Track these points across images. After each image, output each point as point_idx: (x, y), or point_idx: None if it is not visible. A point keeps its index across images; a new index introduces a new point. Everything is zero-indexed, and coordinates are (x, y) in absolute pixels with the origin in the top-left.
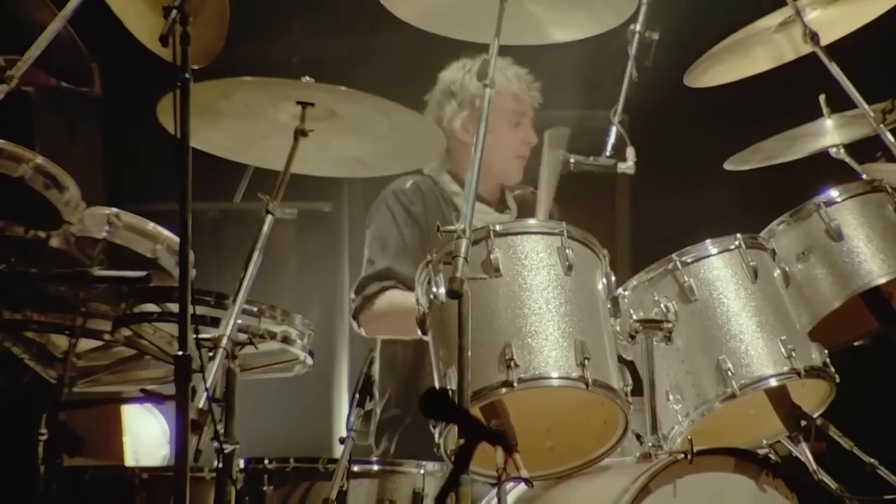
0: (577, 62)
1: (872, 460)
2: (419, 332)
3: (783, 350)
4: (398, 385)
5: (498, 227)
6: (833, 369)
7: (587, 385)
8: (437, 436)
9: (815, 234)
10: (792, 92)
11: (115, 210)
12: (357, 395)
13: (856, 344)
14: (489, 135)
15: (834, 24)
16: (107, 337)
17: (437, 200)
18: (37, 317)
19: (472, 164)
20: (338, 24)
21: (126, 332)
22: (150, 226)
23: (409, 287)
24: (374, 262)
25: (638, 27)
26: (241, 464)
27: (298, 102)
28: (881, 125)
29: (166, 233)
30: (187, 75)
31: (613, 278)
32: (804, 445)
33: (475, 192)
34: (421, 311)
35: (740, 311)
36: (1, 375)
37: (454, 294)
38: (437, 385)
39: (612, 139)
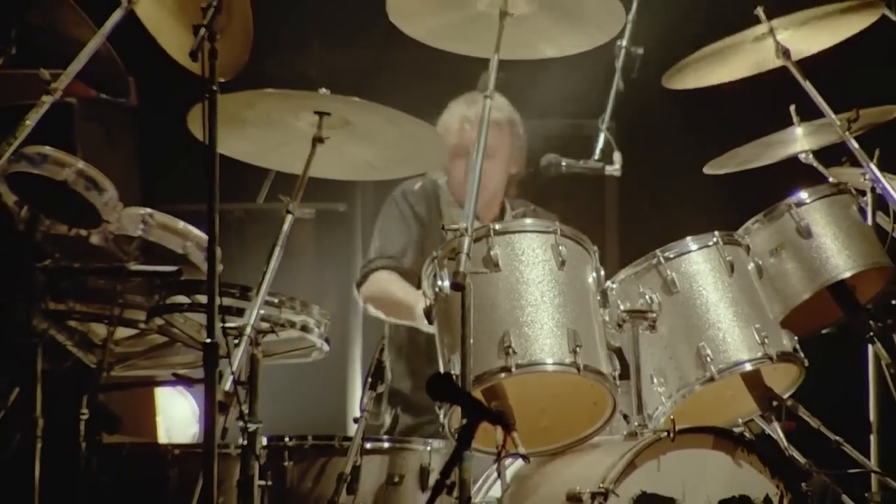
0: (569, 75)
1: (837, 438)
2: (402, 320)
3: (757, 337)
4: (401, 365)
5: (497, 226)
6: (802, 354)
7: (579, 370)
8: (441, 416)
9: (787, 231)
10: (765, 102)
11: (149, 210)
12: (370, 379)
13: (823, 332)
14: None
15: (805, 42)
16: (142, 326)
17: (439, 204)
18: (78, 307)
19: (472, 168)
20: (352, 41)
21: (159, 321)
22: (181, 225)
23: (407, 275)
24: (376, 246)
25: (624, 43)
26: (264, 441)
27: (316, 112)
28: (846, 133)
29: (195, 231)
30: (214, 87)
31: (602, 272)
32: (776, 424)
33: (476, 196)
34: (427, 302)
35: (718, 301)
36: (46, 360)
37: (458, 287)
38: (441, 370)
39: (600, 144)
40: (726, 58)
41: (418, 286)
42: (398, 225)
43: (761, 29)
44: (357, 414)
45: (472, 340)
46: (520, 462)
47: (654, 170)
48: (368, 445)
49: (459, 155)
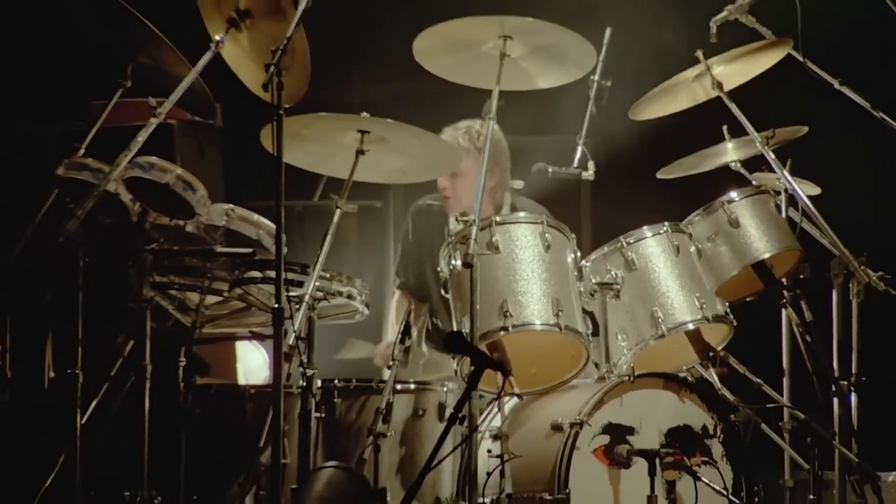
0: (554, 101)
1: (758, 380)
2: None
3: (697, 303)
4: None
5: (498, 218)
6: (732, 316)
7: (560, 329)
8: (455, 364)
9: (721, 222)
10: (704, 123)
11: (231, 206)
12: (400, 336)
13: (748, 299)
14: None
15: (734, 76)
16: (225, 294)
17: (438, 219)
18: (177, 280)
19: (479, 176)
20: (386, 75)
21: (238, 290)
22: (255, 217)
23: (409, 286)
24: (396, 259)
25: (596, 77)
26: (318, 383)
27: (358, 130)
28: (765, 147)
29: (266, 221)
30: (281, 112)
31: (579, 254)
32: (711, 370)
33: (481, 200)
34: (443, 277)
35: (667, 276)
36: (153, 320)
37: (467, 265)
38: (455, 329)
39: (578, 155)
40: (675, 93)
41: (415, 294)
42: (403, 245)
43: (700, 68)
44: (390, 363)
45: (478, 306)
46: (515, 400)
47: (618, 175)
48: (399, 387)
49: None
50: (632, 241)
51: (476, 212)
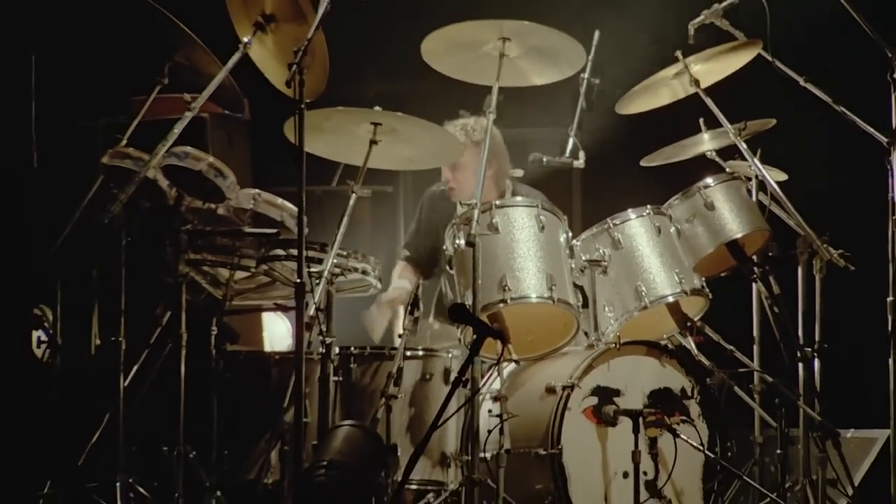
0: (548, 97)
1: (731, 347)
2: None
3: (676, 278)
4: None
5: (497, 202)
6: (707, 290)
7: (554, 302)
8: (458, 332)
9: (698, 206)
10: (683, 116)
11: (257, 190)
12: (409, 307)
13: (722, 274)
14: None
15: (710, 74)
16: (252, 270)
17: (449, 206)
18: (210, 257)
19: (479, 169)
20: (397, 72)
21: (264, 267)
22: (280, 200)
23: (414, 260)
24: (406, 237)
25: (586, 74)
26: (336, 350)
27: (372, 123)
28: (738, 137)
29: (289, 205)
30: (303, 106)
31: (570, 234)
32: (689, 338)
33: (482, 187)
34: (448, 254)
35: (650, 254)
36: (188, 293)
37: (470, 244)
38: (459, 301)
39: (570, 146)
40: (656, 89)
41: (420, 267)
42: (414, 224)
43: (679, 66)
44: (401, 331)
45: (479, 281)
46: (513, 365)
47: (606, 163)
48: (408, 353)
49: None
50: (618, 223)
51: (477, 197)
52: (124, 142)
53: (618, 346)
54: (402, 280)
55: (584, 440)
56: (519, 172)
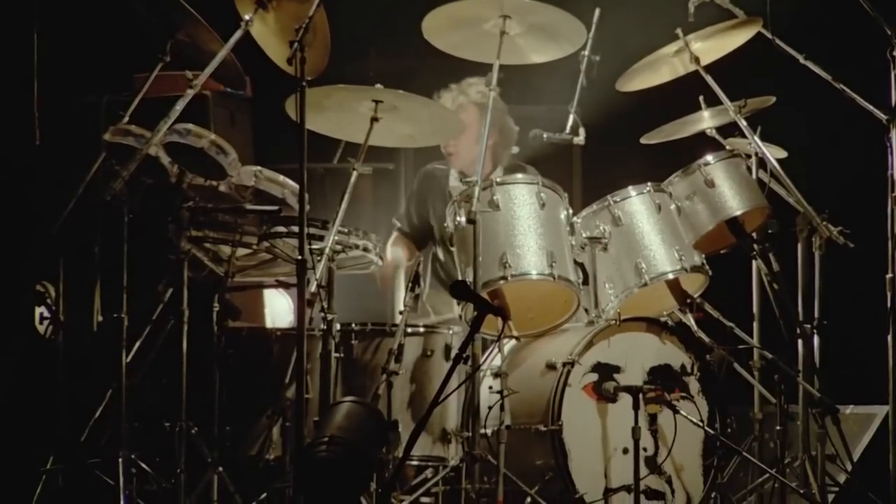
0: (549, 74)
1: (731, 324)
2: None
3: (676, 255)
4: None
5: (498, 179)
6: (707, 267)
7: (554, 279)
8: (459, 309)
9: (698, 183)
10: (683, 93)
11: (259, 168)
12: (410, 284)
13: (722, 251)
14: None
15: (710, 51)
16: (254, 247)
17: (441, 182)
18: (212, 234)
19: (480, 142)
20: (398, 51)
21: (266, 243)
22: (281, 178)
23: (406, 234)
24: (400, 210)
25: (586, 52)
26: (337, 326)
27: (373, 100)
28: (738, 115)
29: (291, 182)
30: (304, 84)
31: (571, 211)
32: (689, 315)
33: (483, 163)
34: (448, 231)
35: (650, 231)
36: (190, 270)
37: (470, 221)
38: (460, 277)
39: (570, 122)
40: (656, 66)
41: (412, 239)
42: (408, 199)
43: (679, 44)
44: (401, 308)
45: (480, 258)
46: (513, 342)
47: (606, 140)
48: (409, 330)
49: None
50: (618, 200)
51: (478, 174)
52: (126, 119)
53: (618, 322)
54: (396, 247)
55: (585, 416)
56: (514, 149)
